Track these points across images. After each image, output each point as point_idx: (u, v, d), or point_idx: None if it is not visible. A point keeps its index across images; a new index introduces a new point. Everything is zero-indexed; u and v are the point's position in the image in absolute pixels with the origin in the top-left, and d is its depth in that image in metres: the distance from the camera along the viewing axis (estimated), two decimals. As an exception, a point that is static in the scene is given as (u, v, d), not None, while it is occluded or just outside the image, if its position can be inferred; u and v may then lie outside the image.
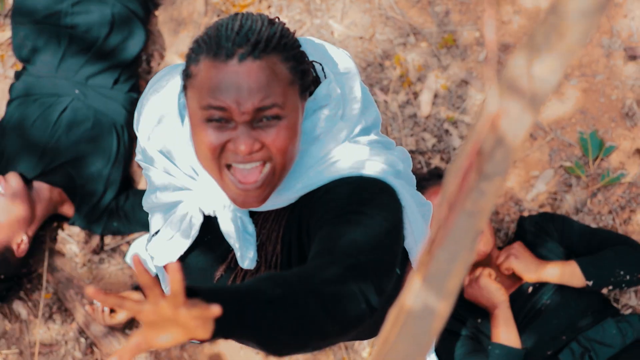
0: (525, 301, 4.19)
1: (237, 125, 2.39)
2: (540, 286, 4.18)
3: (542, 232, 4.31)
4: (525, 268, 4.08)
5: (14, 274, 4.47)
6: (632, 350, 4.07)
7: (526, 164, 4.61)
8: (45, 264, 4.65)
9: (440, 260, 1.58)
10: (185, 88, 2.49)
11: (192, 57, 2.45)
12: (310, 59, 2.61)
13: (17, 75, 4.64)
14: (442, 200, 1.57)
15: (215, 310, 1.83)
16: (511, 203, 4.59)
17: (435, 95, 4.65)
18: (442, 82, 4.66)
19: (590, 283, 4.11)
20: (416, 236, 2.76)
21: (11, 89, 4.61)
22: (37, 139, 4.47)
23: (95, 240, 4.66)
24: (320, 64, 2.64)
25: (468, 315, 4.22)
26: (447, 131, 4.50)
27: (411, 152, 4.58)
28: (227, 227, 2.67)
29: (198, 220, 2.73)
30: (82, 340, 4.60)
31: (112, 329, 4.52)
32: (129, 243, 4.62)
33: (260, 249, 2.74)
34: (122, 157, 4.46)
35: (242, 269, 2.78)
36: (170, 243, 2.79)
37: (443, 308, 1.60)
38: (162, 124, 2.71)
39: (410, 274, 1.67)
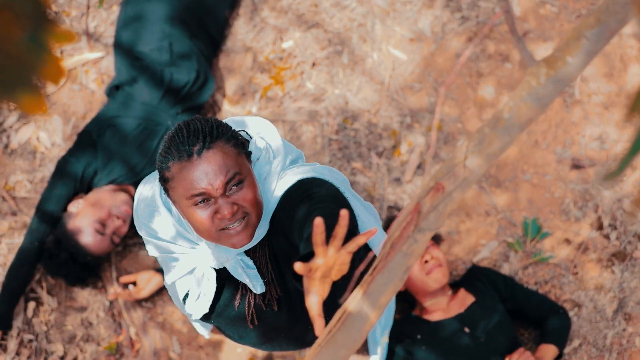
0: (461, 330, 4.20)
1: (216, 199, 2.62)
2: (475, 328, 4.18)
3: (490, 283, 4.32)
4: None
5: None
6: None
7: (477, 234, 4.60)
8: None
9: (378, 283, 1.77)
10: (166, 190, 2.70)
11: (163, 167, 2.65)
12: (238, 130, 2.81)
13: (113, 90, 4.61)
14: (387, 241, 1.77)
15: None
16: (460, 262, 4.57)
17: (418, 167, 4.65)
18: (425, 157, 4.65)
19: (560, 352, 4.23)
20: (364, 220, 2.96)
21: (112, 103, 4.56)
22: (139, 159, 4.48)
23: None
24: (245, 131, 2.84)
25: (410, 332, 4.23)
26: (421, 196, 4.56)
27: (390, 207, 4.58)
28: (236, 271, 2.88)
29: (212, 276, 2.93)
30: (107, 303, 4.58)
31: (133, 302, 4.58)
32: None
33: (260, 274, 2.93)
34: None
35: (251, 293, 2.97)
36: (200, 299, 2.98)
37: (374, 316, 1.78)
38: (156, 222, 2.90)
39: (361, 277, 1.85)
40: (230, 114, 4.83)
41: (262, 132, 2.93)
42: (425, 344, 4.18)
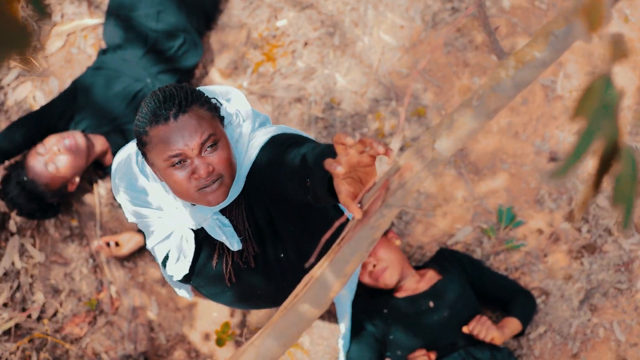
0: (426, 306, 4.24)
1: (192, 160, 2.67)
2: (439, 304, 4.22)
3: (457, 263, 4.38)
4: (501, 337, 4.14)
5: (61, 201, 4.54)
6: None
7: (453, 218, 4.63)
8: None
9: (344, 252, 1.82)
10: (144, 154, 2.74)
11: (140, 131, 2.69)
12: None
13: (104, 51, 4.66)
14: (355, 215, 1.82)
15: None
16: (435, 244, 4.62)
17: (400, 149, 4.66)
18: (407, 141, 4.69)
19: (523, 328, 4.28)
20: None
21: (100, 58, 4.63)
22: (113, 106, 4.53)
23: None
24: (215, 98, 2.87)
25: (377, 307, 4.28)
26: (402, 178, 4.55)
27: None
28: (213, 229, 2.93)
29: (191, 237, 2.98)
30: (90, 261, 4.62)
31: (114, 258, 4.62)
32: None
33: (237, 231, 2.98)
34: None
35: (229, 252, 3.02)
36: (180, 260, 3.04)
37: (338, 285, 1.83)
38: (133, 187, 2.96)
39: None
40: (221, 87, 4.87)
41: (231, 99, 2.98)
42: (391, 318, 4.23)
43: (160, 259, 3.08)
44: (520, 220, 4.60)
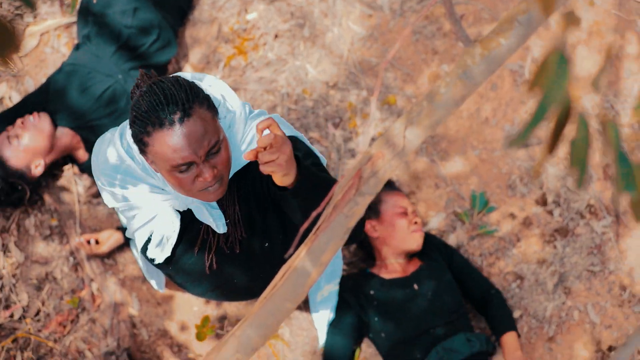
0: (411, 288, 4.29)
1: (198, 164, 2.66)
2: (423, 287, 4.28)
3: (436, 249, 4.42)
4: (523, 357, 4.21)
5: (28, 188, 4.50)
6: (475, 356, 4.16)
7: (427, 205, 4.65)
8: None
9: (320, 241, 1.84)
10: (144, 152, 2.71)
11: (141, 130, 2.66)
12: None
13: (77, 47, 4.65)
14: (330, 203, 1.85)
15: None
16: None
17: (372, 138, 4.68)
18: (379, 130, 4.67)
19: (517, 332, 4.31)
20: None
21: (73, 54, 4.62)
22: (82, 103, 4.50)
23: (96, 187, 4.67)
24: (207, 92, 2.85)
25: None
26: (375, 167, 4.55)
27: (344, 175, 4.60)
28: (200, 211, 2.91)
29: (177, 218, 2.94)
30: (71, 259, 4.60)
31: (94, 256, 4.60)
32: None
33: (225, 214, 2.97)
34: None
35: (214, 236, 3.00)
36: (163, 243, 2.99)
37: (315, 273, 1.85)
38: (117, 170, 2.90)
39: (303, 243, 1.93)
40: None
41: (212, 85, 2.94)
42: (377, 299, 4.27)
43: (141, 244, 3.03)
44: (492, 206, 4.62)
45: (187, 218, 2.98)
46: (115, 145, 2.89)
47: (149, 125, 2.63)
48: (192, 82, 2.76)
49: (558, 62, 1.27)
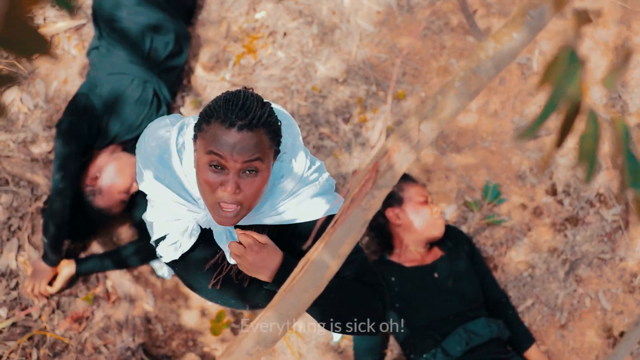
0: (431, 276, 4.33)
1: (229, 172, 2.63)
2: (443, 276, 4.32)
3: (457, 240, 4.48)
4: None
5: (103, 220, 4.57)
6: (493, 341, 4.20)
7: (438, 197, 4.66)
8: None
9: (338, 234, 1.84)
10: (196, 137, 2.71)
11: (206, 118, 2.66)
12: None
13: (95, 47, 4.62)
14: (348, 196, 1.86)
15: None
16: None
17: (385, 132, 4.63)
18: (389, 124, 4.67)
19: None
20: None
21: (101, 63, 4.55)
22: (136, 116, 4.49)
23: None
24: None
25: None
26: (386, 161, 4.53)
27: (355, 170, 4.59)
28: (220, 236, 2.89)
29: (197, 232, 2.93)
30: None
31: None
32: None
33: None
34: None
35: (227, 264, 2.96)
36: (175, 246, 2.97)
37: (334, 265, 1.85)
38: (163, 165, 2.88)
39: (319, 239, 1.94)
40: (204, 80, 4.86)
41: (287, 132, 2.90)
42: (398, 286, 4.29)
43: (156, 236, 3.03)
44: (504, 198, 4.62)
45: (208, 235, 2.96)
46: (170, 141, 2.89)
47: (214, 117, 2.64)
48: (274, 112, 2.76)
49: (569, 59, 1.28)
